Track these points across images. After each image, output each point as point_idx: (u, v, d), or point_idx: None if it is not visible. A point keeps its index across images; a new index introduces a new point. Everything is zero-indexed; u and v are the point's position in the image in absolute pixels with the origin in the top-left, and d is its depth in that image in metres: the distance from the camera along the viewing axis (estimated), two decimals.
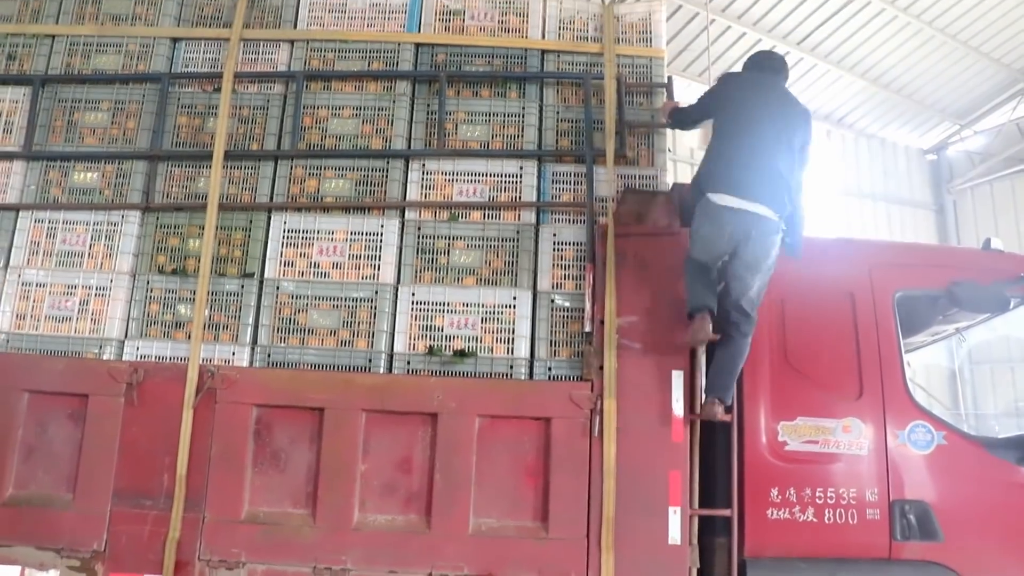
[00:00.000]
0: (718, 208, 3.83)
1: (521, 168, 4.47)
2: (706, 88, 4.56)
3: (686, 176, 12.47)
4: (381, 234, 4.37)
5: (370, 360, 4.19)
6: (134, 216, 4.51)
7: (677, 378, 3.95)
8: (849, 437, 3.94)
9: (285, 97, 4.68)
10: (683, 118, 4.36)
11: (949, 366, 14.96)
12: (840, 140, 16.87)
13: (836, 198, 16.42)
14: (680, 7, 11.78)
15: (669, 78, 4.68)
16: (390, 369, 4.19)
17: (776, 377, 4.05)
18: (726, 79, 4.38)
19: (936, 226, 17.85)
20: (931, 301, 4.39)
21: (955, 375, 15.47)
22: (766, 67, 4.30)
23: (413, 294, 4.28)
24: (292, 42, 4.81)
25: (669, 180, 4.49)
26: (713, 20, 12.56)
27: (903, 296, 4.20)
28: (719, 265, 3.99)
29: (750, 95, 4.09)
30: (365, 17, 4.82)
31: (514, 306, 4.22)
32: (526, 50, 4.70)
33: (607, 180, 4.37)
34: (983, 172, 17.64)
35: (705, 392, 3.95)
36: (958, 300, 4.13)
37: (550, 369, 4.14)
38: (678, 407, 3.91)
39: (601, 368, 3.97)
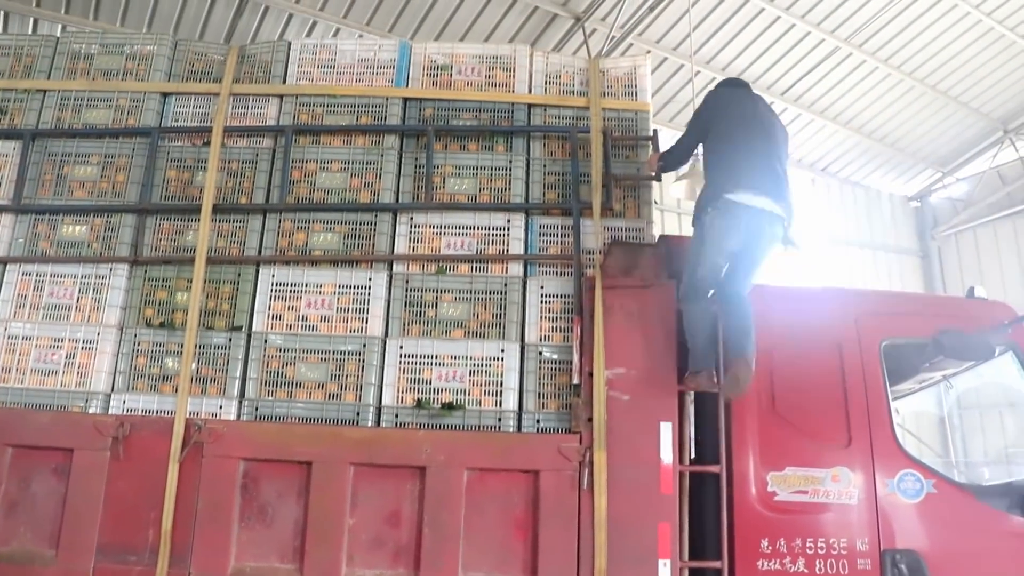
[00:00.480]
0: (736, 205, 4.07)
1: (508, 221, 4.54)
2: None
3: (673, 227, 12.68)
4: (369, 287, 4.42)
5: (358, 413, 4.20)
6: (122, 269, 4.54)
7: (666, 429, 3.97)
8: (838, 487, 3.96)
9: (274, 151, 4.75)
10: (677, 152, 4.58)
11: (938, 413, 15.02)
12: (825, 188, 17.10)
13: (822, 246, 16.59)
14: (665, 59, 12.02)
15: (655, 131, 4.79)
16: (378, 422, 4.20)
17: (765, 427, 4.08)
18: (714, 96, 4.60)
19: (922, 272, 18.04)
20: (918, 349, 4.42)
21: (944, 421, 15.52)
22: (740, 84, 4.66)
23: (401, 347, 4.31)
24: (281, 97, 4.90)
25: (656, 232, 4.58)
26: (698, 72, 12.82)
27: (890, 345, 4.26)
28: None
29: (745, 103, 4.46)
30: (354, 72, 4.93)
31: (502, 358, 4.26)
32: (513, 104, 4.81)
33: (594, 232, 4.44)
34: (966, 218, 17.91)
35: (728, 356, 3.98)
36: (944, 348, 4.18)
37: (538, 421, 4.17)
38: (667, 458, 3.93)
39: (590, 420, 3.99)
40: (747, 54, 12.84)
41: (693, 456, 4.29)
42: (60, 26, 9.84)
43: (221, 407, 4.24)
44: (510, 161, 4.67)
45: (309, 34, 10.53)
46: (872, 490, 3.96)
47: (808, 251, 16.10)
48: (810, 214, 16.58)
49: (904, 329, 4.33)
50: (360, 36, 10.49)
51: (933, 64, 14.10)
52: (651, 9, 10.49)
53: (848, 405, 4.10)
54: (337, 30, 10.60)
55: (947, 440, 15.45)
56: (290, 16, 10.49)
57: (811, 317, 4.35)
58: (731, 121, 4.35)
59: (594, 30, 11.26)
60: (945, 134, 16.58)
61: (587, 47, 11.19)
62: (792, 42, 12.83)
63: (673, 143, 4.64)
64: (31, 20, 10.04)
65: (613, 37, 10.98)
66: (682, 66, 12.16)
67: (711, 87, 4.80)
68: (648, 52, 10.95)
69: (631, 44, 11.57)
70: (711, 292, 4.15)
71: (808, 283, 15.12)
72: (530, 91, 4.88)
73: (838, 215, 17.01)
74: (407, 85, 4.89)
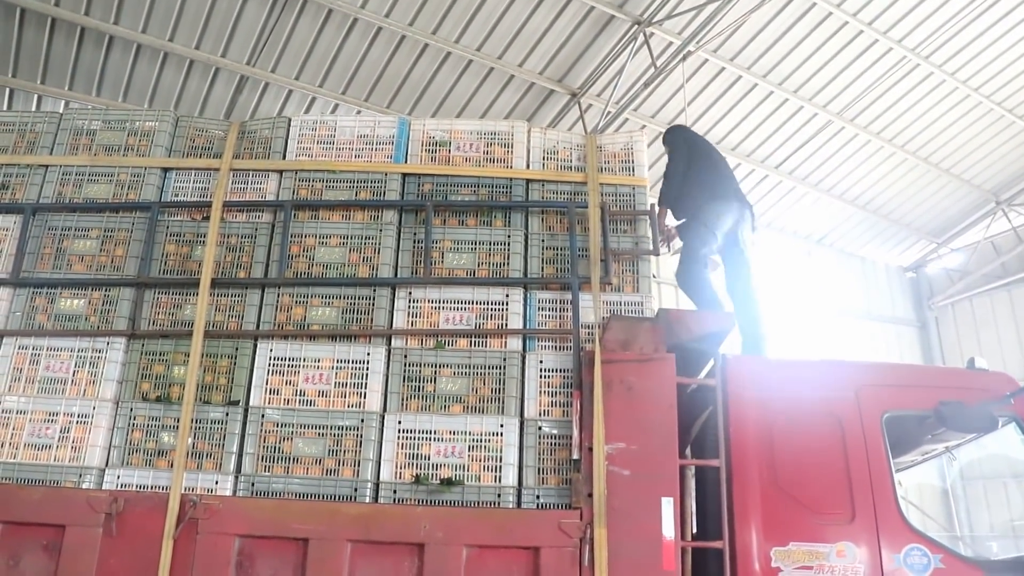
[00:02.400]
0: (725, 204, 5.52)
1: (507, 296, 4.60)
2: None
3: (671, 300, 12.80)
4: (367, 362, 4.45)
5: (356, 489, 4.19)
6: (119, 343, 4.58)
7: (667, 505, 3.96)
8: (844, 562, 3.94)
9: (273, 226, 4.84)
10: (674, 189, 5.62)
11: (941, 484, 14.91)
12: (822, 260, 17.30)
13: (819, 317, 16.70)
14: (660, 133, 12.27)
15: (652, 205, 4.90)
16: (376, 498, 4.19)
17: (767, 502, 4.08)
18: (683, 135, 6.08)
19: (920, 342, 18.15)
20: (919, 421, 4.46)
21: (948, 493, 15.39)
22: (685, 127, 6.33)
23: (399, 422, 4.33)
24: (281, 172, 5.01)
25: (655, 306, 4.64)
26: None
27: (891, 417, 4.28)
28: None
29: (700, 139, 6.06)
30: (353, 148, 5.05)
31: (501, 433, 4.27)
32: (511, 179, 4.92)
33: (593, 307, 4.50)
34: (962, 288, 18.11)
35: None
36: (946, 420, 4.21)
37: (538, 497, 4.16)
38: (669, 534, 3.91)
39: (590, 496, 3.99)
40: (741, 128, 13.17)
41: (695, 531, 4.27)
42: (64, 102, 10.09)
43: (217, 482, 4.24)
44: (508, 236, 4.76)
45: (308, 109, 10.80)
46: (878, 565, 3.93)
47: (806, 323, 16.22)
48: (807, 286, 16.74)
49: (905, 401, 4.35)
50: (359, 112, 10.80)
51: (924, 137, 14.47)
52: (646, 85, 10.78)
53: (851, 478, 4.11)
54: (336, 106, 10.88)
55: (951, 512, 15.30)
56: (289, 92, 10.77)
57: (812, 390, 4.38)
58: (706, 154, 5.88)
59: (590, 105, 11.58)
60: (938, 205, 16.90)
61: (583, 122, 11.48)
62: (785, 116, 13.19)
63: (665, 185, 5.66)
64: (35, 97, 10.31)
65: (609, 112, 11.26)
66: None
67: (671, 127, 6.42)
68: (643, 127, 11.28)
69: (627, 119, 11.87)
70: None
71: (807, 355, 15.18)
72: (528, 166, 5.00)
73: (835, 286, 17.16)
74: (406, 161, 5.02)
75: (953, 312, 18.36)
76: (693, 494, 4.19)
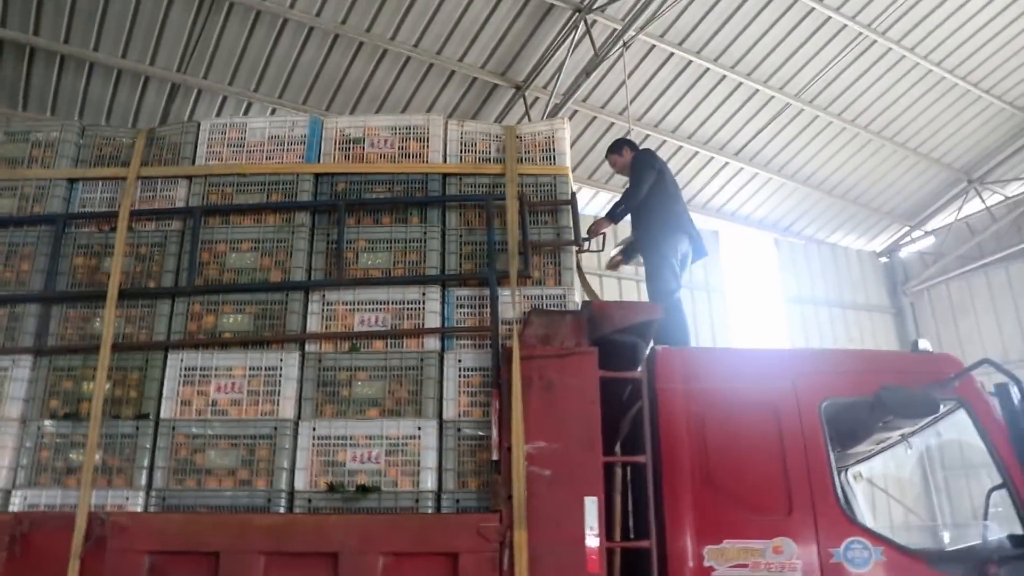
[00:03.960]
0: (678, 241, 5.90)
1: (424, 294, 4.60)
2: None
3: (612, 290, 12.92)
4: (281, 368, 4.44)
5: (270, 500, 4.18)
6: (26, 360, 4.54)
7: (591, 504, 3.94)
8: (780, 558, 3.93)
9: (183, 233, 4.81)
10: (631, 204, 5.95)
11: (922, 476, 15.04)
12: (789, 248, 17.44)
13: (788, 307, 16.83)
14: (612, 124, 12.38)
15: (573, 194, 4.89)
16: (291, 508, 4.17)
17: (699, 499, 4.09)
18: (655, 161, 6.21)
19: (895, 329, 18.32)
20: (862, 408, 4.42)
21: (929, 486, 15.51)
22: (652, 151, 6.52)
23: (314, 429, 4.31)
24: (190, 178, 4.98)
25: (577, 298, 4.65)
26: (648, 135, 13.23)
27: (831, 405, 4.29)
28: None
29: (663, 165, 6.20)
30: (264, 150, 5.03)
31: (419, 437, 4.26)
32: (427, 175, 4.91)
33: (512, 302, 4.51)
34: (937, 272, 18.29)
35: None
36: (886, 406, 4.19)
37: (458, 502, 4.15)
38: (592, 535, 3.90)
39: (510, 498, 3.96)
40: (696, 115, 13.28)
41: (632, 533, 4.27)
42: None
43: (128, 498, 4.22)
44: (424, 233, 4.76)
45: (247, 113, 10.74)
46: (817, 560, 3.93)
47: (775, 315, 16.37)
48: (775, 276, 16.89)
49: (845, 388, 4.36)
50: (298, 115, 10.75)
51: (887, 117, 14.61)
52: (587, 74, 10.80)
53: (788, 471, 4.11)
54: (273, 110, 10.90)
55: (932, 504, 15.43)
56: (224, 98, 10.76)
57: (746, 380, 4.39)
58: (663, 175, 6.05)
59: (536, 98, 11.62)
60: (908, 187, 17.06)
61: (528, 116, 11.51)
62: (740, 101, 13.31)
63: (626, 197, 5.99)
64: None
65: (555, 105, 11.29)
66: (631, 130, 12.48)
67: (644, 148, 6.55)
68: (570, 117, 11.43)
69: (576, 111, 11.92)
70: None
71: (774, 345, 15.32)
72: (445, 160, 4.98)
73: (804, 275, 17.30)
74: (319, 160, 5.00)
75: (929, 297, 18.55)
76: (621, 493, 4.17)
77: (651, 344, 4.67)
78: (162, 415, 4.40)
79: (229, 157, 5.03)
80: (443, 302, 4.62)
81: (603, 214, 6.33)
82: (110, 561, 3.93)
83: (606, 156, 6.81)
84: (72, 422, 4.41)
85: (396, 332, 4.53)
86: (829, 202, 16.69)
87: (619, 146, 6.69)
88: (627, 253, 6.50)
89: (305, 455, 4.27)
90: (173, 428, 4.36)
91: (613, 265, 6.34)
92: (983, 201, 17.55)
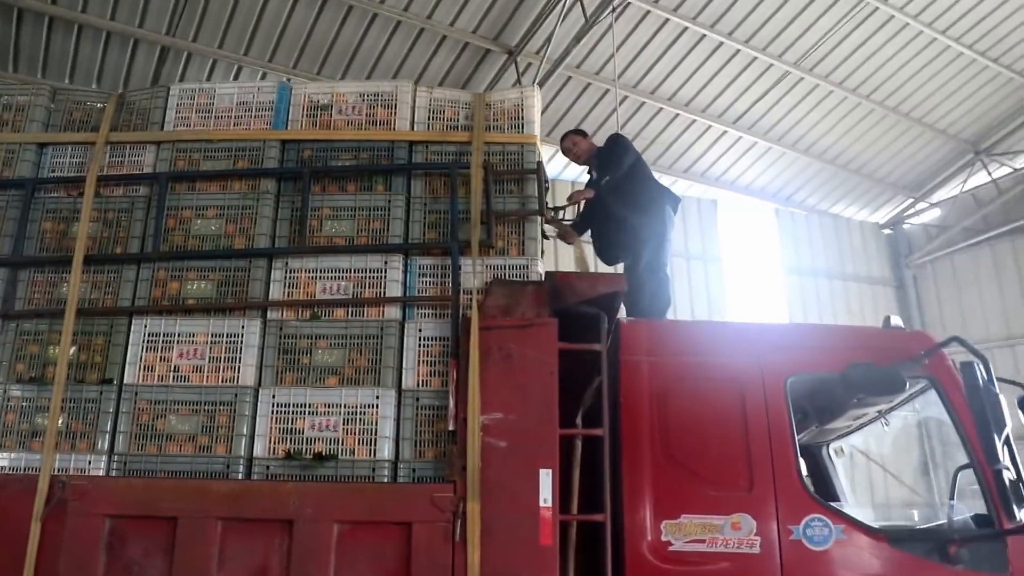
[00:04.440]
0: (672, 216, 6.01)
1: (386, 263, 4.58)
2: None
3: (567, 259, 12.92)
4: (242, 335, 4.45)
5: (228, 466, 4.21)
6: None
7: (545, 476, 3.95)
8: (739, 535, 3.95)
9: (150, 199, 4.81)
10: (615, 171, 5.92)
11: (920, 453, 14.99)
12: (789, 218, 17.33)
13: (787, 278, 16.76)
14: (607, 91, 12.23)
15: (539, 163, 4.83)
16: (249, 475, 4.21)
17: (658, 472, 4.10)
18: (626, 139, 6.39)
19: (897, 302, 18.22)
20: (832, 385, 4.42)
21: (927, 463, 15.48)
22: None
23: (274, 396, 4.33)
24: (159, 144, 4.96)
25: (541, 268, 4.62)
26: (643, 103, 13.12)
27: (798, 381, 4.29)
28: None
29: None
30: (232, 116, 5.00)
31: (377, 406, 4.27)
32: (393, 142, 4.87)
33: (473, 272, 4.49)
34: (942, 244, 18.15)
35: None
36: (852, 382, 4.19)
37: (414, 471, 4.17)
38: (546, 508, 3.91)
39: (464, 469, 3.99)
40: (692, 83, 13.15)
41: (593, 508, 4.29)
42: None
43: (90, 463, 4.26)
44: (389, 201, 4.74)
45: (236, 78, 10.69)
46: (775, 538, 3.94)
47: (774, 286, 16.32)
48: (774, 246, 16.81)
49: (812, 364, 4.36)
50: (288, 80, 10.67)
51: (891, 86, 14.40)
52: (577, 40, 10.67)
53: (749, 447, 4.12)
54: (264, 74, 10.84)
55: (930, 482, 15.41)
56: (214, 61, 10.72)
57: (711, 355, 4.39)
58: (640, 160, 6.18)
59: (528, 64, 11.49)
60: (913, 158, 16.85)
61: (519, 83, 11.42)
62: (738, 69, 13.16)
63: (607, 170, 5.95)
64: None
65: (547, 71, 11.19)
66: (626, 97, 12.41)
67: (617, 134, 6.69)
68: (564, 84, 11.28)
69: (569, 77, 11.82)
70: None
71: (772, 318, 15.29)
72: (412, 128, 4.94)
73: (804, 246, 17.19)
74: (286, 127, 4.96)
75: (933, 270, 18.42)
76: (581, 466, 4.17)
77: (618, 316, 4.65)
78: (125, 380, 4.42)
79: (198, 123, 5.01)
80: (405, 271, 4.60)
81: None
82: (70, 524, 3.99)
83: (563, 139, 6.65)
84: (37, 386, 4.44)
85: (357, 300, 4.52)
86: (831, 172, 16.53)
87: (581, 132, 6.68)
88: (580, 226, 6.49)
89: (264, 422, 4.29)
90: (136, 393, 4.38)
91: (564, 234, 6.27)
92: (989, 173, 17.35)
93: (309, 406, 4.31)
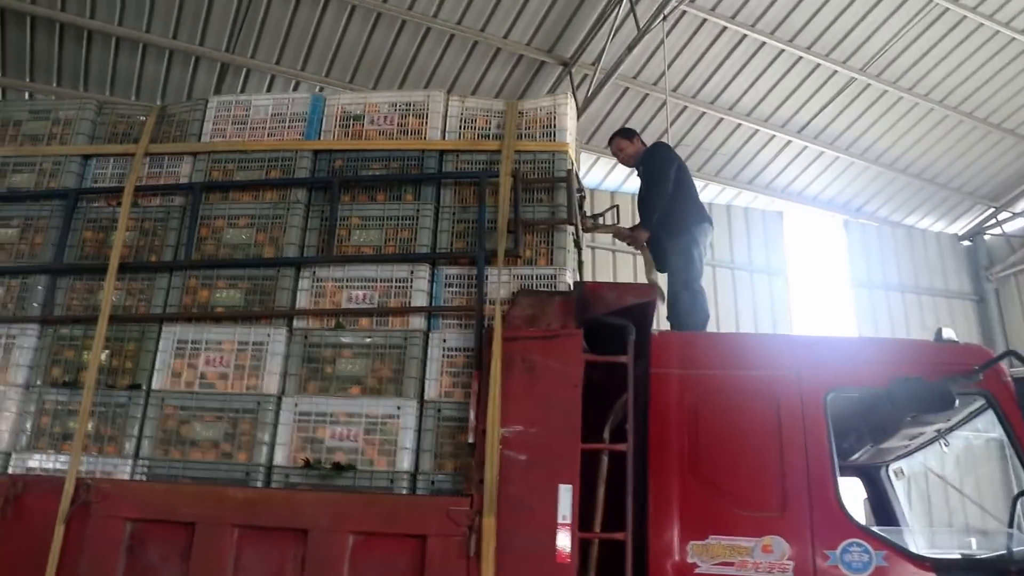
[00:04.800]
0: (706, 230, 5.93)
1: (412, 272, 4.54)
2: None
3: (606, 269, 12.67)
4: (268, 344, 4.46)
5: (248, 474, 4.21)
6: (32, 329, 4.69)
7: (565, 492, 3.82)
8: (770, 558, 3.73)
9: (185, 209, 4.88)
10: (661, 196, 5.84)
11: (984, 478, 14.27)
12: (859, 230, 16.75)
13: (856, 292, 16.21)
14: (666, 100, 12.08)
15: (569, 171, 4.71)
16: (268, 483, 4.20)
17: (686, 490, 3.93)
18: (671, 153, 6.26)
19: (978, 317, 17.34)
20: (877, 401, 4.17)
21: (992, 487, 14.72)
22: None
23: (296, 405, 4.33)
24: (195, 155, 5.04)
25: (569, 279, 4.50)
26: (703, 113, 12.89)
27: (839, 397, 4.07)
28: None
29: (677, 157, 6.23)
30: (266, 127, 5.05)
31: (398, 416, 4.21)
32: (423, 151, 4.85)
33: (500, 281, 4.38)
34: None
35: None
36: (896, 398, 3.93)
37: (432, 483, 4.10)
38: (564, 524, 3.78)
39: (482, 482, 3.89)
40: (754, 91, 12.83)
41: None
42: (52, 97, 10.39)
43: (116, 466, 4.32)
44: (417, 210, 4.69)
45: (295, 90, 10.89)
46: (810, 562, 3.71)
47: (846, 301, 15.84)
48: (845, 260, 16.31)
49: (854, 378, 4.13)
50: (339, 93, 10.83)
51: (965, 90, 13.75)
52: (629, 49, 10.51)
53: (784, 465, 3.91)
54: (321, 89, 10.93)
55: (995, 507, 14.64)
56: (272, 77, 10.98)
57: (747, 368, 4.20)
58: (682, 169, 6.06)
59: (585, 75, 11.38)
60: (992, 165, 16.05)
61: (574, 95, 11.30)
62: (800, 77, 12.78)
63: (654, 196, 5.91)
64: (26, 94, 10.65)
65: (600, 81, 11.08)
66: (685, 108, 12.20)
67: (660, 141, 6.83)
68: (621, 94, 11.13)
69: (626, 88, 11.68)
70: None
71: (839, 332, 14.80)
72: (444, 137, 4.91)
73: (875, 259, 16.60)
74: (319, 137, 4.99)
75: (1016, 283, 17.49)
76: (606, 483, 4.02)
77: (650, 328, 4.48)
78: (153, 386, 4.48)
79: (233, 134, 5.08)
80: (432, 281, 4.56)
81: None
82: (93, 526, 4.05)
83: (611, 140, 6.64)
84: (71, 390, 4.53)
85: (382, 310, 4.50)
86: (904, 182, 15.90)
87: (631, 133, 6.59)
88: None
89: (286, 430, 4.29)
90: (163, 399, 4.44)
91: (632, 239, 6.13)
92: None
93: (331, 415, 4.29)
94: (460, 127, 4.95)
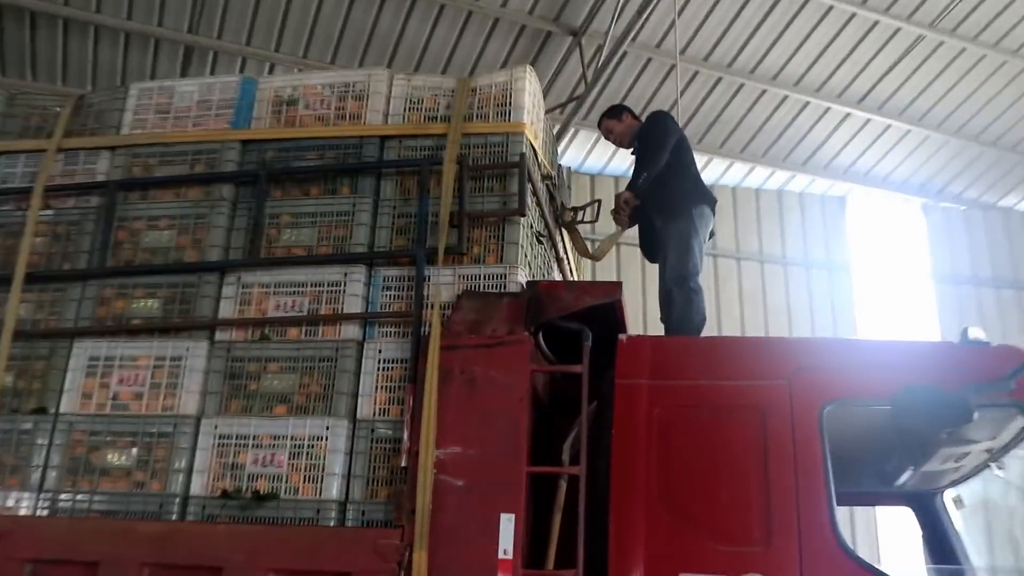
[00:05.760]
0: (706, 216, 5.90)
1: (346, 275, 4.61)
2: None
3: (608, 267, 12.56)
4: (187, 358, 4.56)
5: (162, 505, 4.30)
6: None
7: (507, 523, 3.82)
8: None
9: (101, 210, 5.00)
10: (654, 163, 5.87)
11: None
12: (943, 216, 16.44)
13: (938, 287, 15.91)
14: (697, 72, 11.98)
15: (522, 155, 4.73)
16: (184, 515, 4.28)
17: (653, 521, 3.89)
18: (669, 116, 6.43)
19: None
20: (876, 413, 4.15)
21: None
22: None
23: (216, 427, 4.40)
24: (113, 148, 5.18)
25: (521, 278, 4.53)
26: (742, 84, 12.79)
27: (839, 410, 4.00)
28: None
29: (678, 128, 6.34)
30: (191, 116, 5.18)
31: (326, 438, 4.27)
32: (361, 138, 4.93)
33: (437, 282, 4.45)
34: None
35: None
36: (902, 411, 3.84)
37: (364, 514, 4.14)
38: (505, 559, 3.78)
39: (414, 512, 3.93)
40: (801, 56, 12.64)
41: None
42: None
43: (18, 501, 4.42)
44: (354, 204, 4.77)
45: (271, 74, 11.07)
46: None
47: (925, 297, 15.57)
48: (920, 249, 16.04)
49: (857, 388, 4.05)
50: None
51: None
52: (639, 13, 10.43)
53: (770, 491, 3.85)
54: (299, 71, 11.07)
55: None
56: (244, 60, 11.19)
57: (726, 377, 4.17)
58: (682, 142, 6.19)
59: (598, 46, 11.36)
60: None
61: (584, 71, 11.36)
62: (855, 37, 12.57)
63: (647, 163, 5.93)
64: None
65: (624, 53, 11.07)
66: (720, 79, 12.12)
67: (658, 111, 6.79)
68: (644, 64, 10.99)
69: (649, 59, 11.65)
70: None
71: (917, 336, 14.53)
72: (386, 120, 4.99)
73: (962, 248, 16.27)
74: (249, 125, 5.11)
75: None
76: (562, 511, 4.04)
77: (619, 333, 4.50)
78: (62, 409, 4.58)
79: (156, 124, 5.21)
80: (368, 284, 4.62)
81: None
82: None
83: (599, 123, 6.73)
84: None
85: (312, 317, 4.56)
86: (994, 156, 15.51)
87: (619, 111, 6.64)
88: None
89: (205, 456, 4.35)
90: (71, 424, 4.53)
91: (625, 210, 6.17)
92: None
93: (254, 438, 4.34)
94: (405, 109, 5.02)
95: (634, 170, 6.19)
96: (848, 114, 14.03)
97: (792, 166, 15.02)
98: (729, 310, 14.28)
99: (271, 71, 11.11)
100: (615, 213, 6.14)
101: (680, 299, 5.65)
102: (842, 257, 15.71)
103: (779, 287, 14.98)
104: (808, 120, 14.05)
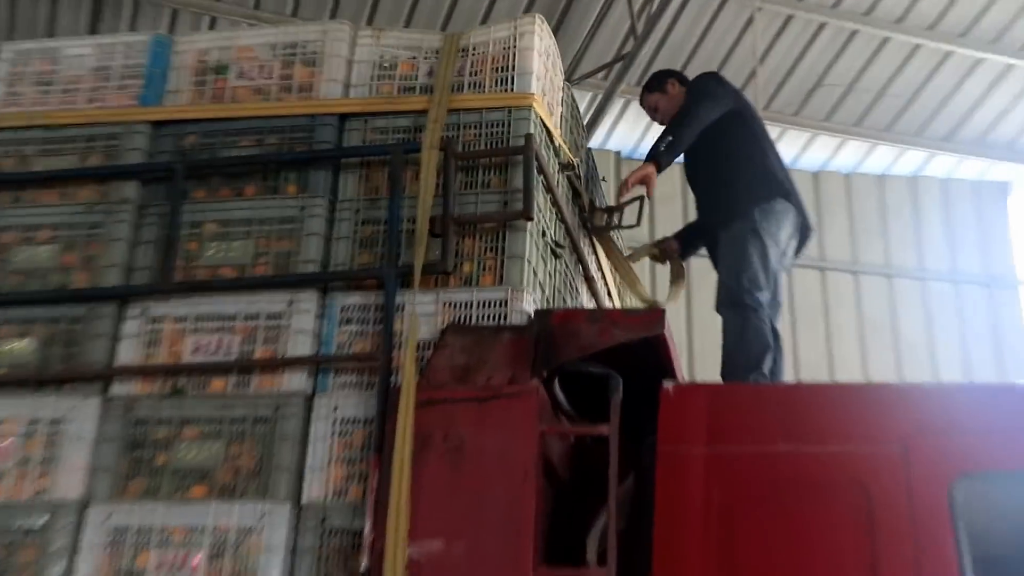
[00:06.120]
0: (779, 213, 5.86)
1: (290, 304, 4.60)
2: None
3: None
4: (70, 421, 4.53)
5: None
6: None
7: None
8: None
9: None
10: (689, 125, 5.85)
11: None
12: None
13: None
14: (791, 16, 11.95)
15: (528, 137, 4.69)
16: None
17: None
18: (717, 76, 6.63)
19: None
20: None
21: None
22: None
23: (109, 517, 4.35)
24: None
25: (528, 305, 4.49)
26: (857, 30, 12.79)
27: (975, 485, 3.92)
28: None
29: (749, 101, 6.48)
30: (84, 89, 5.22)
31: (261, 530, 4.23)
32: (313, 117, 4.95)
33: (412, 312, 4.41)
34: None
35: None
36: None
37: None
38: None
39: None
40: None
41: None
42: None
43: None
44: (303, 208, 4.76)
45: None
46: None
47: None
48: None
49: (998, 456, 3.99)
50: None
51: None
52: None
53: None
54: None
55: None
56: (214, 19, 11.38)
57: (812, 440, 4.17)
58: (745, 110, 6.26)
59: None
60: None
61: (631, 14, 11.39)
62: None
63: (679, 124, 5.93)
64: None
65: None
66: (824, 25, 12.10)
67: (704, 73, 6.92)
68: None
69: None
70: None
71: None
72: (347, 94, 5.01)
73: None
74: (160, 102, 5.13)
75: None
76: None
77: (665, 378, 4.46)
78: None
79: (36, 101, 5.26)
80: (321, 316, 4.61)
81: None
82: None
83: (641, 99, 6.71)
84: None
85: (242, 363, 4.55)
86: None
87: (662, 79, 6.59)
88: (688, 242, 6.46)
89: (91, 558, 4.27)
90: None
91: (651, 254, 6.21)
92: None
93: (161, 531, 4.28)
94: (373, 77, 5.05)
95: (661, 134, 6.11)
96: (1010, 65, 13.92)
97: (930, 142, 15.04)
98: (843, 342, 14.12)
99: (212, 28, 11.24)
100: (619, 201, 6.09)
101: (733, 324, 5.64)
102: (1005, 267, 15.69)
103: (915, 310, 14.95)
104: (951, 77, 14.00)
